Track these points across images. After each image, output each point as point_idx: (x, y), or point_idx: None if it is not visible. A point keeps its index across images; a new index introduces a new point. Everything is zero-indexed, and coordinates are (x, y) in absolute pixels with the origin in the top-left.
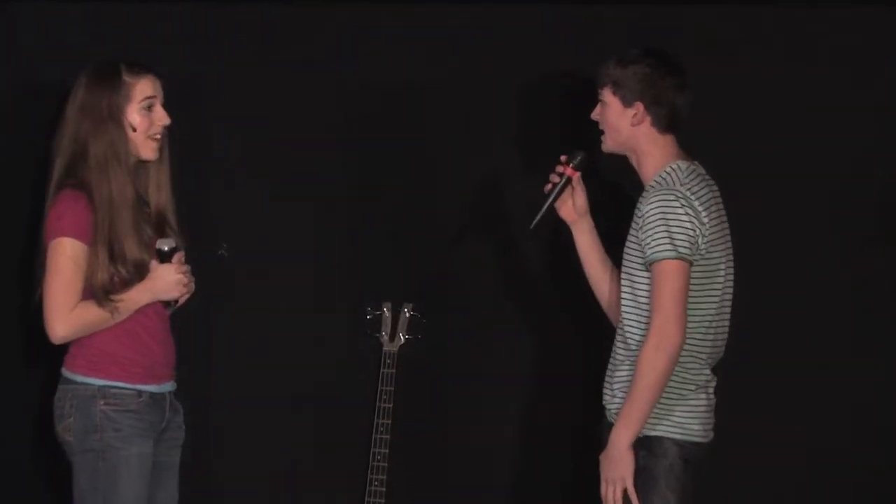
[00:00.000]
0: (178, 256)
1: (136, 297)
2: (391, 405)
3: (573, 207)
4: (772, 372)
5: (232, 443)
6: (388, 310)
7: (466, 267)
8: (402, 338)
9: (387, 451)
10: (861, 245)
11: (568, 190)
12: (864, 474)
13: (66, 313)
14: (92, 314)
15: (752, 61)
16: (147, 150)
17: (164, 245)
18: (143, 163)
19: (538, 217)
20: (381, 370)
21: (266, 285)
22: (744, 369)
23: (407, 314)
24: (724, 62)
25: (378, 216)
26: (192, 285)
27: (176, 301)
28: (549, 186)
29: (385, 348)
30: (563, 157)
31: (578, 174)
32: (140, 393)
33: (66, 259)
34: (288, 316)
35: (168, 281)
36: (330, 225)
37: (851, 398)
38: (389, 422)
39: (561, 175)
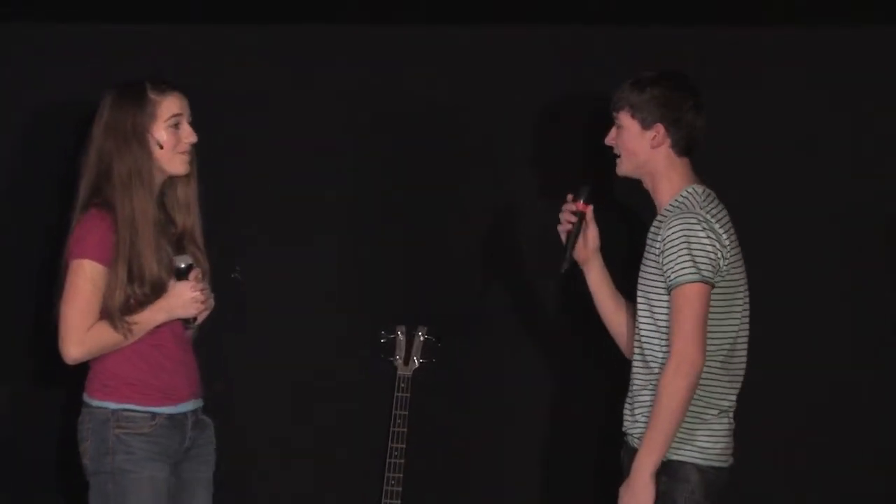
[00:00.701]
0: (195, 273)
1: (151, 317)
2: (405, 429)
3: (585, 245)
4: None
5: (243, 468)
6: (402, 333)
7: (481, 291)
8: (416, 362)
9: (401, 475)
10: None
11: (583, 226)
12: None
13: (80, 335)
14: (106, 336)
15: (751, 79)
16: (176, 164)
17: (181, 262)
18: (171, 180)
19: (567, 260)
20: (395, 394)
21: (279, 309)
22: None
23: (421, 338)
24: (723, 82)
25: (392, 240)
26: (211, 301)
27: (195, 319)
28: (568, 227)
29: (399, 372)
30: (569, 196)
31: (591, 207)
32: (154, 415)
33: (85, 281)
34: (301, 340)
35: (184, 299)
36: (344, 249)
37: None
38: (403, 446)
39: (575, 213)
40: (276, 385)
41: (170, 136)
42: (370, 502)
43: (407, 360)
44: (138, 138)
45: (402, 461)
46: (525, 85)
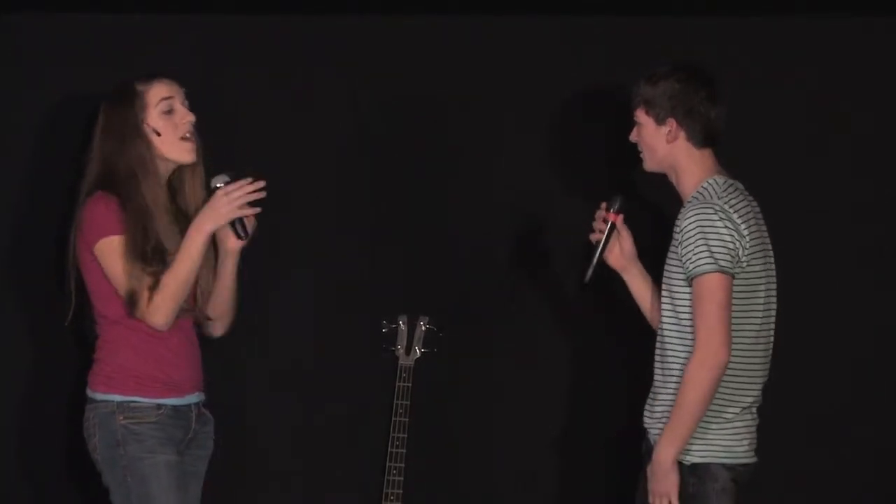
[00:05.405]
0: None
1: (197, 228)
2: (407, 419)
3: (621, 253)
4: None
5: (244, 457)
6: (403, 323)
7: (482, 280)
8: (417, 351)
9: (402, 465)
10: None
11: (614, 236)
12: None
13: (146, 300)
14: (170, 285)
15: (780, 73)
16: (182, 152)
17: (220, 182)
18: (179, 172)
19: (591, 270)
20: (397, 384)
21: (280, 298)
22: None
23: (423, 328)
24: (756, 75)
25: (394, 229)
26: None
27: (245, 232)
28: (596, 236)
29: (401, 362)
30: (603, 205)
31: (621, 217)
32: (159, 406)
33: (117, 256)
34: (303, 329)
35: (223, 201)
36: (346, 238)
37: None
38: (405, 436)
39: (605, 222)
40: (278, 374)
41: (165, 121)
42: (372, 492)
43: (409, 350)
44: (136, 132)
45: (404, 451)
46: (533, 78)
